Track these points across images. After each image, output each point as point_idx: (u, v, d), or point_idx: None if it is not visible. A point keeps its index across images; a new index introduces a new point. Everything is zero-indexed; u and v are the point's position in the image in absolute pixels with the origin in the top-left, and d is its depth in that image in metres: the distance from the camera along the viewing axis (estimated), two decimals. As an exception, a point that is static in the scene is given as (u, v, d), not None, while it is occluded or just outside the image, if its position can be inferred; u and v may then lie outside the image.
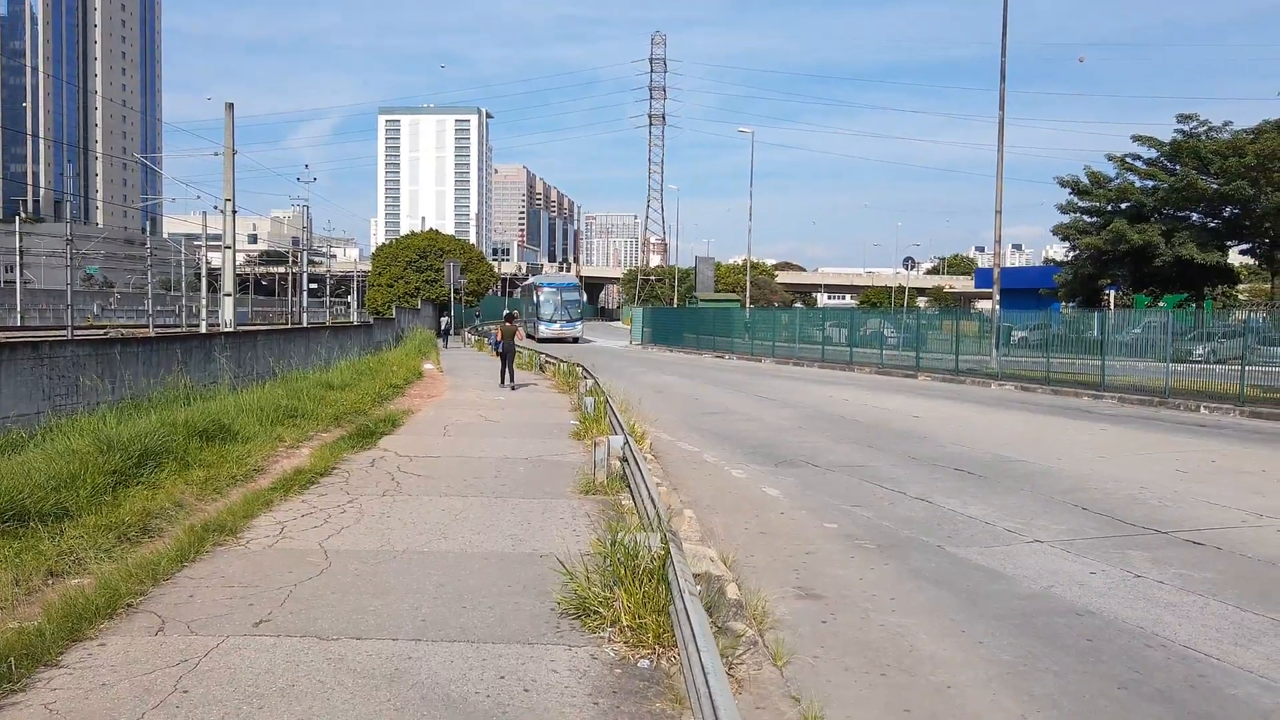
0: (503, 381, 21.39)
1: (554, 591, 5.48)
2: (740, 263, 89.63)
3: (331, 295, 73.65)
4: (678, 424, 15.20)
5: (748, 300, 61.62)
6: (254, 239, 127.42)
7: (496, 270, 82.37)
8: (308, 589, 5.89)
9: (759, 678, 4.68)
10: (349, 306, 60.60)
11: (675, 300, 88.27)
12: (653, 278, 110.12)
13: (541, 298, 52.28)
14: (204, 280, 31.69)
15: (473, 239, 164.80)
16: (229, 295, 24.40)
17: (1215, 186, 37.99)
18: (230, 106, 24.46)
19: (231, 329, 22.52)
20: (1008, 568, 6.91)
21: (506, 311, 31.87)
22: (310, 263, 60.62)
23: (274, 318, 61.74)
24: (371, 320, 43.21)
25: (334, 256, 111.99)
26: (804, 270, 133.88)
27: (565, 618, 5.17)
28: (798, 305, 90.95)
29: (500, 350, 21.93)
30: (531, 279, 65.01)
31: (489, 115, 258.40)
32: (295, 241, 78.09)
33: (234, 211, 24.26)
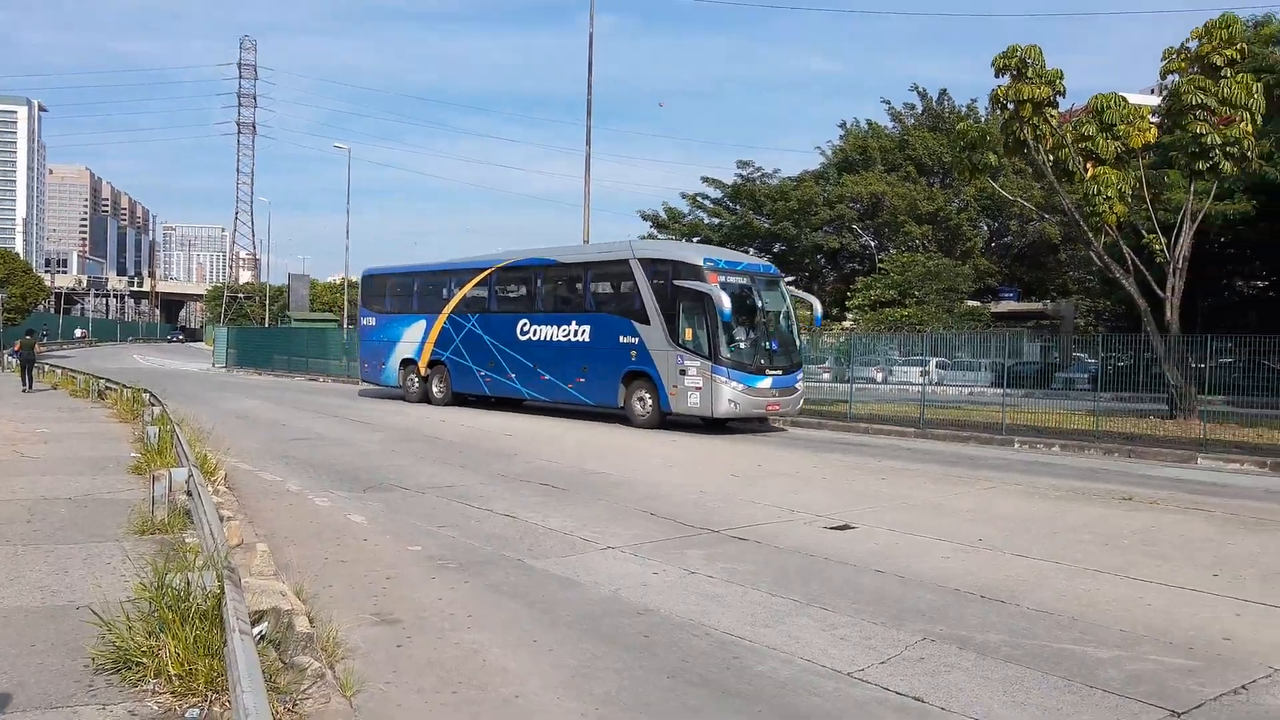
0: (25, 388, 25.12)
1: (89, 646, 4.88)
2: (338, 281, 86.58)
3: None
4: (260, 452, 14.28)
5: (345, 320, 59.59)
6: None
7: (48, 284, 72.09)
8: None
9: (326, 711, 4.50)
10: None
11: (267, 320, 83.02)
12: (242, 295, 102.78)
13: (725, 305, 17.21)
14: None
15: (19, 248, 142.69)
16: None
17: (767, 225, 43.42)
18: None
19: None
20: (581, 575, 7.31)
21: (27, 328, 37.10)
22: None
23: None
24: None
25: None
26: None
27: (101, 673, 4.62)
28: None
29: (21, 360, 26.25)
30: (666, 253, 20.03)
31: (42, 108, 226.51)
32: None
33: None
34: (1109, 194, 18.81)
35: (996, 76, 20.02)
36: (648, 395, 18.77)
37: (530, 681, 5.10)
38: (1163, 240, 20.33)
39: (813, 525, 9.40)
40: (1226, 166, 18.95)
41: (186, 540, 7.79)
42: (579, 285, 21.12)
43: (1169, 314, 20.29)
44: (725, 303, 17.08)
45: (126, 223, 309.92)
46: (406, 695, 4.87)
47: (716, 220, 46.44)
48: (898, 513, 10.24)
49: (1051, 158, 19.89)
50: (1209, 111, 18.73)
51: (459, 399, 23.95)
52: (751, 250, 45.82)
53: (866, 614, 6.37)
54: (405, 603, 6.49)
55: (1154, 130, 19.91)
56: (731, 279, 18.24)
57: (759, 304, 18.74)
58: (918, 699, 4.91)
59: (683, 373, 18.10)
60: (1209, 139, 18.58)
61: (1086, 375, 22.03)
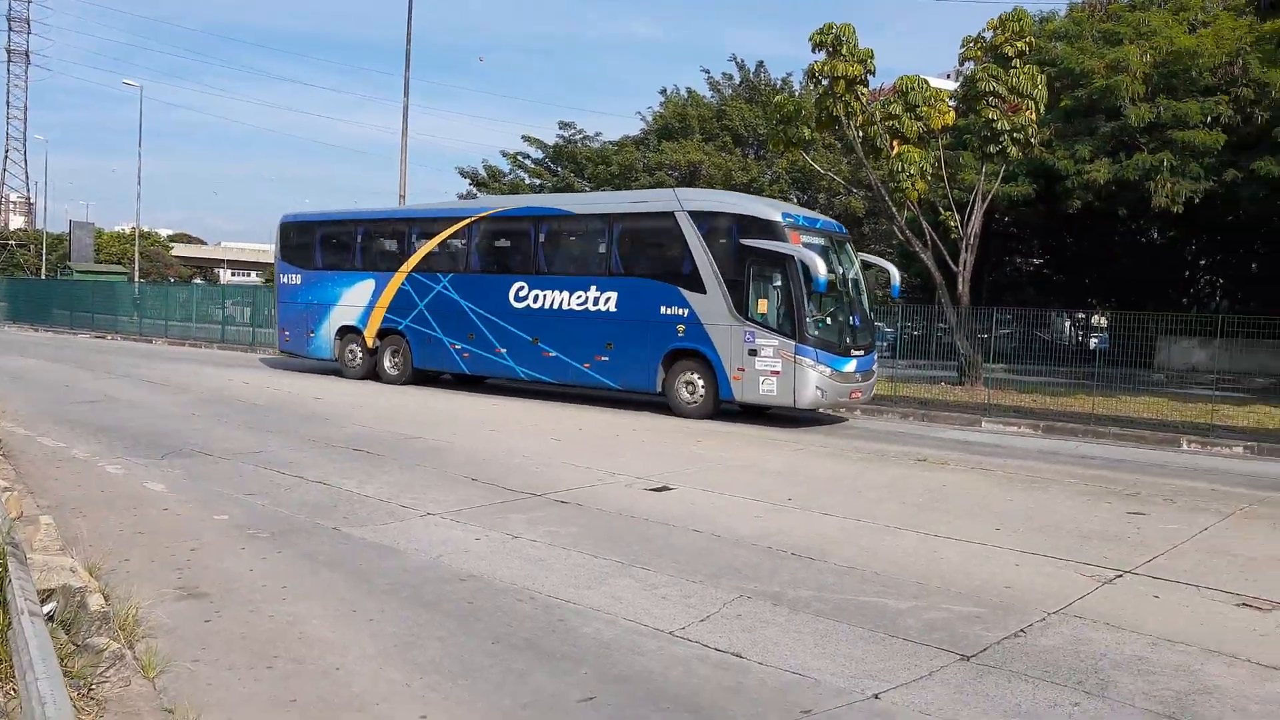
0: None
1: None
2: (129, 231, 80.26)
3: None
4: (40, 416, 13.14)
5: (137, 274, 55.47)
6: None
7: None
8: None
9: (127, 695, 4.22)
10: None
11: (44, 271, 76.08)
12: (13, 243, 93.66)
13: (820, 272, 14.19)
14: None
15: None
16: None
17: (589, 189, 43.38)
18: None
19: None
20: (401, 543, 7.16)
21: None
22: None
23: None
24: None
25: None
26: (204, 244, 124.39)
27: None
28: (197, 281, 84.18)
29: None
30: (729, 205, 16.29)
31: None
32: None
33: None
34: (912, 171, 19.89)
35: (813, 52, 20.68)
36: (699, 379, 15.57)
37: (351, 652, 4.97)
38: (957, 218, 21.72)
39: (633, 487, 9.57)
40: (1013, 151, 20.42)
41: (-44, 513, 7.09)
42: (601, 243, 17.19)
43: (960, 287, 21.76)
44: (820, 268, 14.15)
45: None
46: (217, 673, 4.64)
47: (538, 181, 46.02)
48: (713, 474, 10.58)
49: (861, 134, 20.81)
50: (1000, 99, 20.07)
51: (422, 376, 19.75)
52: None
53: (686, 573, 6.57)
54: (213, 575, 6.17)
55: (952, 113, 21.15)
56: (812, 239, 15.24)
57: (839, 270, 15.53)
58: (736, 654, 5.11)
59: (753, 353, 14.87)
60: (999, 124, 19.93)
61: (885, 343, 23.37)
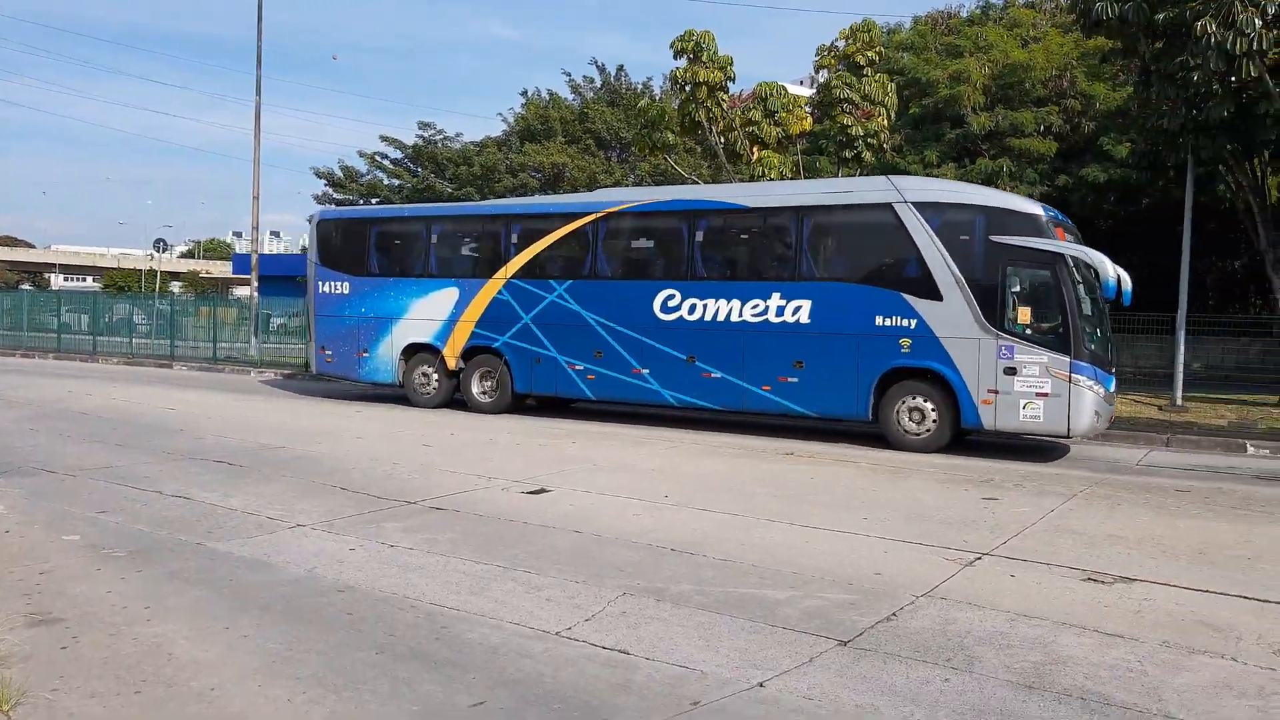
0: None
1: None
2: (-56, 234, 74.15)
3: None
4: None
5: (-44, 280, 51.32)
6: None
7: None
8: None
9: (-21, 730, 3.94)
10: None
11: None
12: None
13: (1110, 274, 12.21)
14: None
15: None
16: None
17: (450, 190, 42.75)
18: None
19: None
20: (272, 556, 6.90)
21: None
22: None
23: None
24: None
25: None
26: (33, 247, 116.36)
27: None
28: (26, 287, 78.55)
29: None
30: (971, 196, 13.73)
31: None
32: None
33: None
34: (772, 176, 20.45)
35: (675, 58, 21.04)
36: (929, 404, 13.05)
37: (226, 671, 4.77)
38: (815, 220, 22.46)
39: (509, 491, 9.51)
40: (867, 156, 21.29)
41: None
42: (787, 242, 14.50)
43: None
44: (1109, 270, 12.10)
45: None
46: (80, 701, 4.37)
47: (397, 182, 45.04)
48: (589, 475, 10.61)
49: (723, 139, 21.29)
50: (854, 105, 20.90)
51: (520, 402, 16.78)
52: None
53: (569, 574, 6.58)
54: (67, 599, 5.80)
55: (809, 119, 21.89)
56: (1068, 235, 13.02)
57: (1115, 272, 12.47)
58: (623, 651, 5.16)
59: (1010, 371, 12.42)
60: (854, 130, 20.73)
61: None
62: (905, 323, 13.08)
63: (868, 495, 9.90)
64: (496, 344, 16.41)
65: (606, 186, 40.73)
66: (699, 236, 15.08)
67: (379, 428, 14.43)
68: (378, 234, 18.31)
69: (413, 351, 17.25)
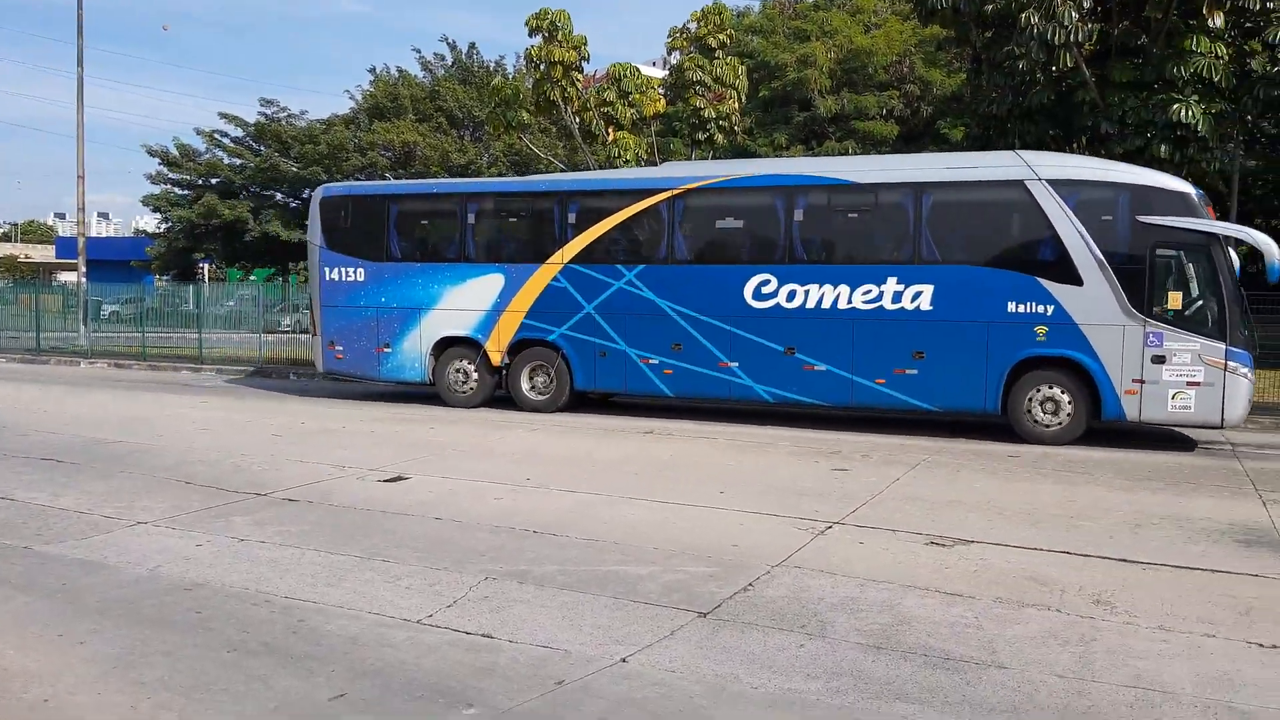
0: None
1: None
2: None
3: None
4: None
5: None
6: None
7: None
8: None
9: None
10: None
11: None
12: None
13: (1276, 256, 11.66)
14: None
15: None
16: None
17: (296, 170, 41.14)
18: None
19: None
20: (110, 556, 6.54)
21: None
22: None
23: None
24: None
25: None
26: None
27: None
28: None
29: None
30: (1116, 174, 12.60)
31: None
32: None
33: None
34: (628, 157, 20.61)
35: (530, 36, 20.83)
36: (1064, 395, 12.19)
37: (62, 680, 4.50)
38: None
39: (365, 480, 9.29)
40: (719, 138, 21.70)
41: None
42: (904, 221, 13.11)
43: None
44: (1274, 251, 11.42)
45: None
46: (-106, 722, 4.04)
47: (239, 160, 43.01)
48: (448, 460, 10.48)
49: (578, 119, 21.26)
50: (706, 88, 21.24)
51: (581, 400, 15.18)
52: (279, 195, 43.22)
53: (429, 561, 6.49)
54: (-126, 613, 5.34)
55: (663, 101, 22.13)
56: (1211, 215, 12.23)
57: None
58: (487, 635, 5.14)
59: (1158, 360, 11.69)
60: (706, 112, 21.08)
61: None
62: (1041, 309, 12.20)
63: (723, 470, 10.12)
64: (552, 336, 14.61)
65: (460, 165, 40.08)
66: (798, 215, 13.62)
67: (216, 416, 13.79)
68: (399, 213, 16.02)
69: (445, 345, 15.32)
